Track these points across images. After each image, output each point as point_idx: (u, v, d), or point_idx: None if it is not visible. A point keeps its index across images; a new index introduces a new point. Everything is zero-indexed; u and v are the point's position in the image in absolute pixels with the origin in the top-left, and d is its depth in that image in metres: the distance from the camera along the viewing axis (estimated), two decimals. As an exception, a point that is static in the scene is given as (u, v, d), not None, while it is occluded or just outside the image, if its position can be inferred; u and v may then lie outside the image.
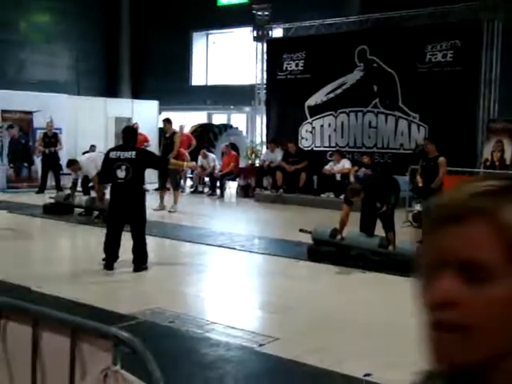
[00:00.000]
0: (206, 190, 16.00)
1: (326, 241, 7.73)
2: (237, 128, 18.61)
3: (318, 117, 14.82)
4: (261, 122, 16.36)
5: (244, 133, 18.88)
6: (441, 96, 12.81)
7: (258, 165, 15.66)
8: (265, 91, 16.05)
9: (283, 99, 15.42)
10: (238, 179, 15.79)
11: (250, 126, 19.23)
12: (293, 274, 7.37)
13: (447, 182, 9.20)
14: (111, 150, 7.53)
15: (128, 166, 6.94)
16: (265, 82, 16.01)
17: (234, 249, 8.67)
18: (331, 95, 14.55)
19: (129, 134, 7.43)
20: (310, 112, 14.93)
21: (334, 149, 14.36)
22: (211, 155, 16.17)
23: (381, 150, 13.79)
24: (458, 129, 12.46)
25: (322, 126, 14.80)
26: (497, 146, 11.61)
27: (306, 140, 15.08)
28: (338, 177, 13.45)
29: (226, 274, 7.41)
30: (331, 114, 14.61)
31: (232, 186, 16.06)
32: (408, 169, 11.22)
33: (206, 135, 17.45)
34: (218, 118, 20.69)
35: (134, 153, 7.06)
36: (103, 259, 7.12)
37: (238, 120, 20.07)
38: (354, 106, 14.22)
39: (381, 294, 6.54)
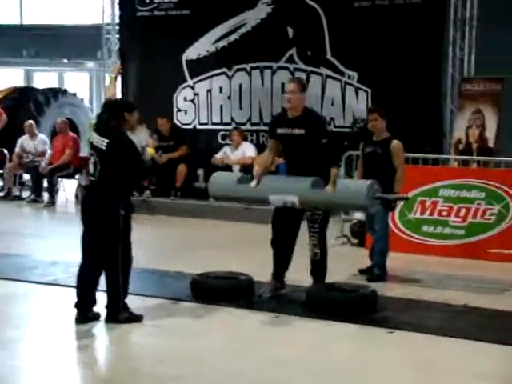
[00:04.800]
0: (27, 194, 15.82)
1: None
2: (75, 94, 18.59)
3: (202, 77, 14.97)
4: (113, 84, 16.33)
5: (86, 102, 18.72)
6: (390, 45, 12.99)
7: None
8: (118, 36, 16.00)
9: (147, 49, 15.45)
10: (78, 175, 15.72)
11: (95, 92, 19.05)
12: (170, 325, 7.28)
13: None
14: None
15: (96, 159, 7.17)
16: (117, 21, 15.97)
17: (74, 287, 8.39)
18: (222, 43, 14.64)
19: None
20: (191, 69, 15.07)
21: (229, 127, 14.47)
22: (41, 136, 16.12)
23: (300, 128, 13.92)
24: (414, 93, 12.77)
25: (209, 91, 14.94)
26: (474, 118, 11.91)
27: (186, 113, 15.22)
28: (237, 170, 13.42)
29: (59, 329, 7.19)
30: (223, 73, 14.72)
31: (69, 187, 15.93)
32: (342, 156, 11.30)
33: (23, 106, 17.32)
34: (44, 79, 20.41)
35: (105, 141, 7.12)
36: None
37: (77, 82, 19.99)
38: (259, 61, 14.33)
39: (300, 349, 6.54)
